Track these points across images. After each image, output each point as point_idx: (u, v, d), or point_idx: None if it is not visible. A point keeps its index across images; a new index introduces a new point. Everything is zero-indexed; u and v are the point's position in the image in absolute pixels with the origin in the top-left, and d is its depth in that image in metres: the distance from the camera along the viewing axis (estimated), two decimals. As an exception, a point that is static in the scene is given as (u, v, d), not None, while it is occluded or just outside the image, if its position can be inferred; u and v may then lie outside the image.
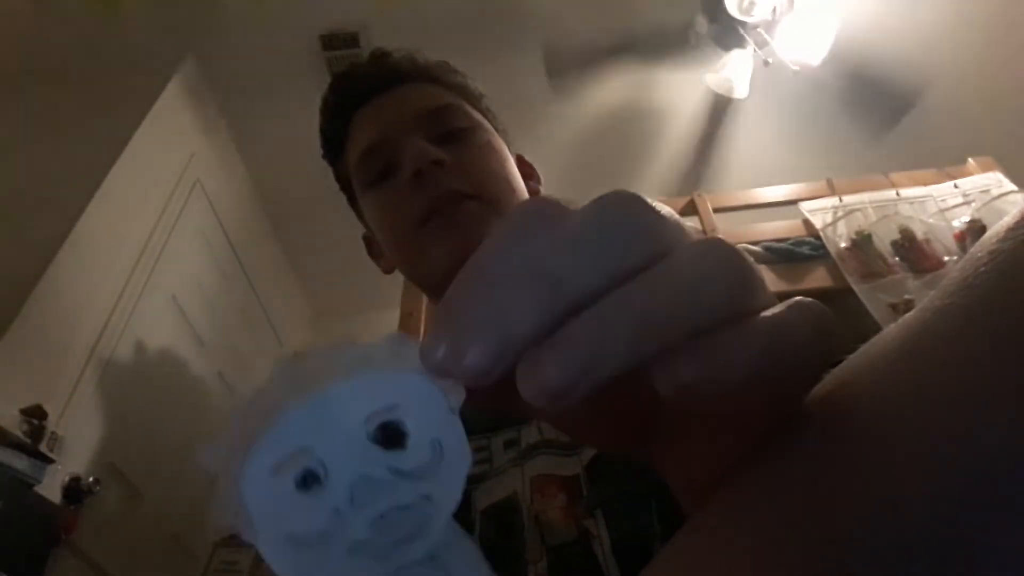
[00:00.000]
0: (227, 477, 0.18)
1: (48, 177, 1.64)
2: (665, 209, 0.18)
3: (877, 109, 2.33)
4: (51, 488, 1.26)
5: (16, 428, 1.20)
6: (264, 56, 2.15)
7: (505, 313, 0.16)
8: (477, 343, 0.15)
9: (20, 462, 1.19)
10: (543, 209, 0.18)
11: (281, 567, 0.17)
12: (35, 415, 1.24)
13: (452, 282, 0.17)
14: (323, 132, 0.66)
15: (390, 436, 0.18)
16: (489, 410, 0.55)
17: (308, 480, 0.18)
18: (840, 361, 0.18)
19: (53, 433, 1.28)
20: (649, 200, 0.17)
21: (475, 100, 0.64)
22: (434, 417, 0.18)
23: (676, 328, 0.15)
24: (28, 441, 1.21)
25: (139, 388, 1.67)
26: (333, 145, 0.65)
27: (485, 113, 0.64)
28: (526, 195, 0.61)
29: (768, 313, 0.17)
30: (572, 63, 2.19)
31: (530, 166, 0.67)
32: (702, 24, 2.10)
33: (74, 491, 1.31)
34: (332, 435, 0.18)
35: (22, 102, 1.88)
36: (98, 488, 1.35)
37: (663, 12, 2.11)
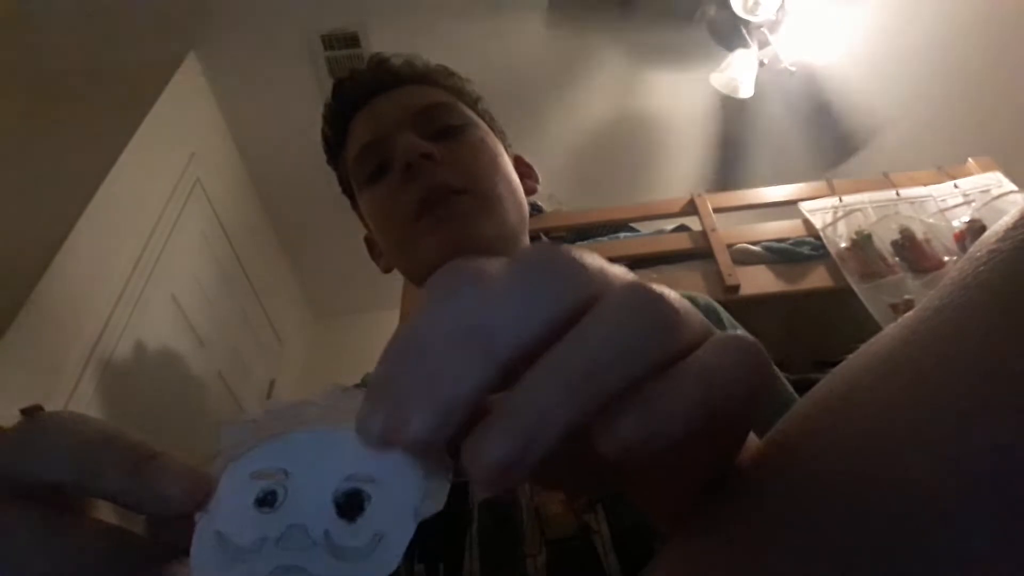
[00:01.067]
0: (225, 459, 0.20)
1: (48, 177, 1.64)
2: (588, 257, 0.17)
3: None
4: (51, 488, 1.26)
5: (16, 428, 1.20)
6: (264, 56, 2.15)
7: (442, 378, 0.15)
8: (418, 412, 0.15)
9: (20, 462, 1.19)
10: (464, 269, 0.18)
11: (194, 554, 0.19)
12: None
13: (380, 356, 0.17)
14: (325, 137, 0.66)
15: (349, 504, 0.18)
16: None
17: (266, 499, 0.19)
18: (839, 362, 0.18)
19: (53, 433, 1.28)
20: (571, 250, 0.17)
21: (471, 102, 0.65)
22: (397, 513, 0.18)
23: (613, 381, 0.15)
24: (28, 441, 1.21)
25: (139, 388, 1.67)
26: (335, 149, 0.66)
27: (482, 115, 0.65)
28: (522, 193, 0.61)
29: (697, 359, 0.16)
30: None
31: (528, 166, 0.68)
32: (711, 6, 2.07)
33: (74, 491, 1.31)
34: (312, 473, 0.19)
35: (22, 102, 1.88)
36: (98, 488, 1.35)
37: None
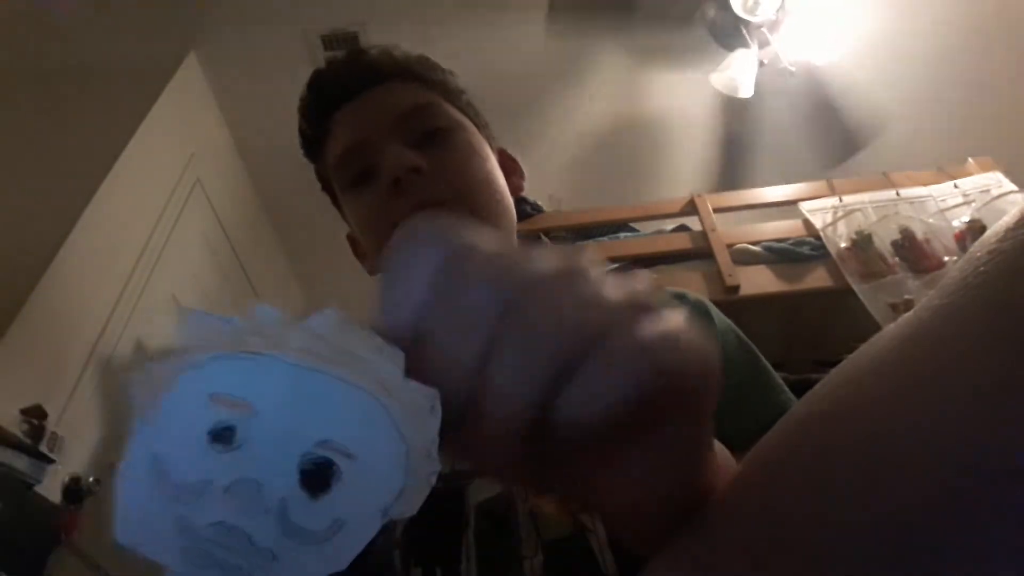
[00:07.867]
0: (182, 357, 0.16)
1: (48, 177, 1.64)
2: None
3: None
4: (51, 488, 1.26)
5: (16, 428, 1.20)
6: (264, 56, 2.15)
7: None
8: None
9: (20, 462, 1.19)
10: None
11: (124, 478, 0.16)
12: (35, 415, 1.24)
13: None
14: (302, 132, 0.65)
15: (316, 476, 0.16)
16: None
17: (221, 435, 0.16)
18: (839, 362, 0.18)
19: (53, 433, 1.28)
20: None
21: (455, 97, 0.62)
22: (365, 503, 0.16)
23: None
24: (28, 441, 1.21)
25: (139, 388, 1.67)
26: (313, 145, 0.64)
27: (465, 110, 0.62)
28: (508, 194, 0.59)
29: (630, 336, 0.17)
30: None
31: (513, 160, 0.66)
32: (710, 7, 2.07)
33: (74, 491, 1.31)
34: (283, 420, 0.16)
35: (22, 102, 1.88)
36: (98, 488, 1.35)
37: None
